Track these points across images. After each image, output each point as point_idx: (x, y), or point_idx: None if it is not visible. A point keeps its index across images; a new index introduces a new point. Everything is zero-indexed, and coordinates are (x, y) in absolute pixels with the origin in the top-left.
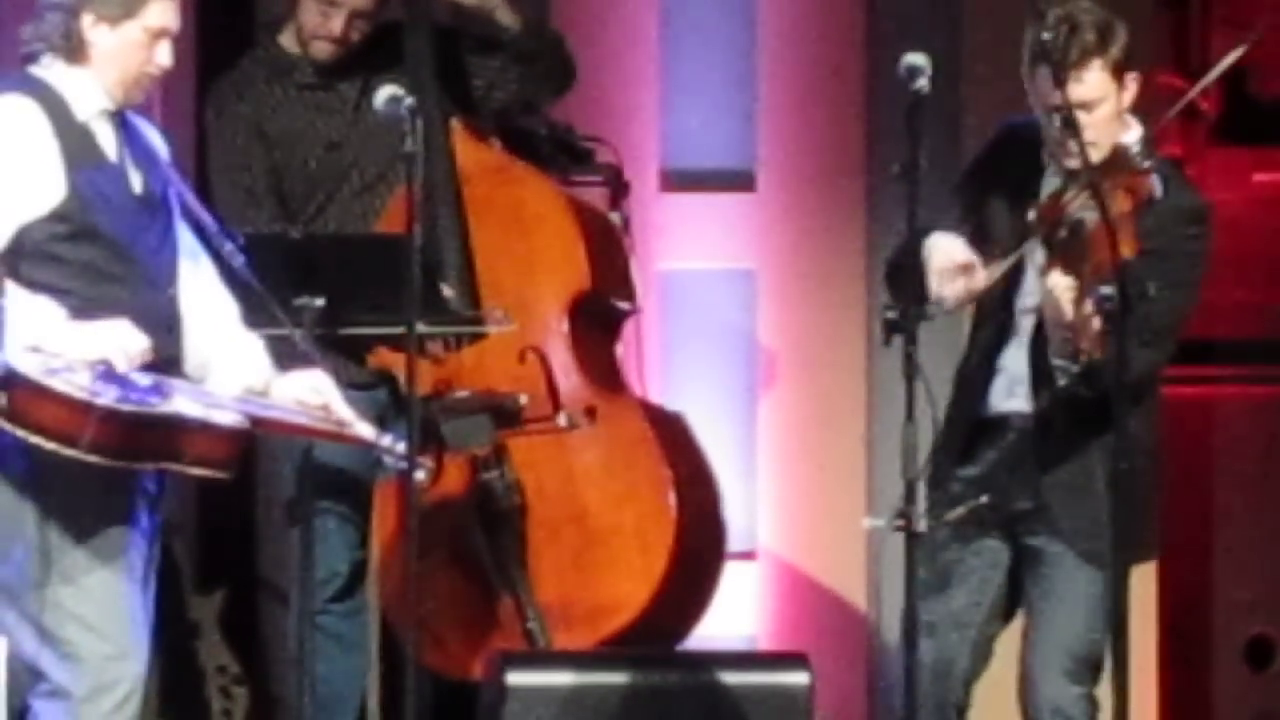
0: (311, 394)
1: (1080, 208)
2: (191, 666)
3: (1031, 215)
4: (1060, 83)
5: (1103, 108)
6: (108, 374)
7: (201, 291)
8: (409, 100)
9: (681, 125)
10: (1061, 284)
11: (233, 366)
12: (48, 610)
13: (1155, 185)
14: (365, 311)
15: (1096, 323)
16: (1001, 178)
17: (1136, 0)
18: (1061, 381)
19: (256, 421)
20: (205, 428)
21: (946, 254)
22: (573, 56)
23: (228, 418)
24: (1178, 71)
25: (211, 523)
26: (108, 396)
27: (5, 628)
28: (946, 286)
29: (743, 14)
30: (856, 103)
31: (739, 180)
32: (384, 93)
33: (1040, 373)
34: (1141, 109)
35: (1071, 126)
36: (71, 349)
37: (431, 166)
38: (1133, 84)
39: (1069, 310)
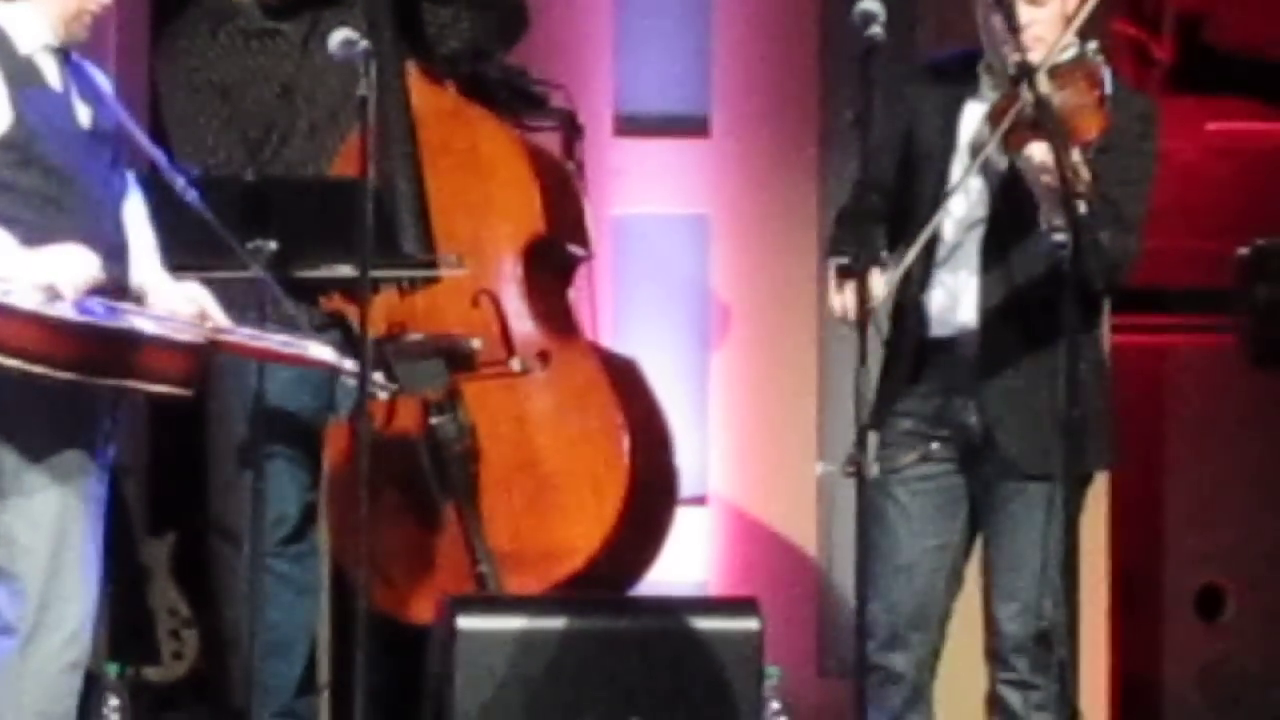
0: (186, 304)
1: (1039, 95)
2: (142, 609)
3: (987, 116)
4: None
5: (1050, 4)
6: (57, 297)
7: (131, 223)
8: (364, 43)
9: (635, 70)
10: (1041, 149)
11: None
12: (2, 545)
13: (1108, 78)
14: (318, 254)
15: (1085, 171)
16: (923, 112)
17: None
18: (1059, 237)
19: (217, 344)
20: (161, 342)
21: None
22: (525, 4)
23: (184, 334)
24: (1133, 19)
25: (162, 465)
26: (63, 312)
27: None
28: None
29: None
30: (810, 49)
31: (693, 125)
32: (338, 35)
33: (989, 288)
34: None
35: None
36: (20, 274)
37: (386, 110)
38: None
39: (1055, 165)
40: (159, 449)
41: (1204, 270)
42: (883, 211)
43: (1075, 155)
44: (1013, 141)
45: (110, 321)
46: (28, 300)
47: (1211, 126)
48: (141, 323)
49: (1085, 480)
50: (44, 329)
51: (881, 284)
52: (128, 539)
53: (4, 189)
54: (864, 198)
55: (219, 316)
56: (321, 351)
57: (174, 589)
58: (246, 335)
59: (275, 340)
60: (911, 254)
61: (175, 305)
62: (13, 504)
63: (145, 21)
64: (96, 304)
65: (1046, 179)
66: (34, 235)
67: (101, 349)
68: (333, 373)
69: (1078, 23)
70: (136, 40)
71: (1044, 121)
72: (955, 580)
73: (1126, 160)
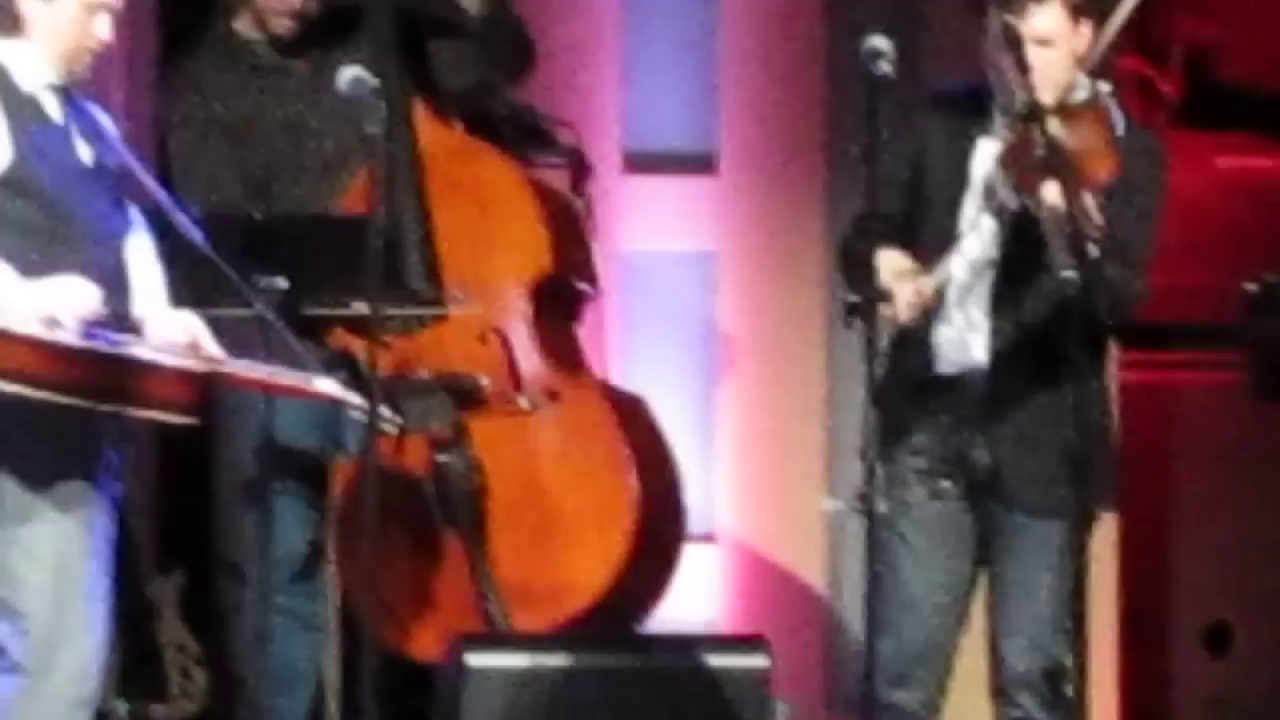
0: (180, 333)
1: (1050, 136)
2: (150, 646)
3: (999, 159)
4: (1020, 12)
5: (1060, 46)
6: (57, 327)
7: (135, 258)
8: (373, 81)
9: (643, 107)
10: (1053, 191)
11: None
12: (7, 584)
13: (1119, 120)
14: (327, 292)
15: (1097, 215)
16: (934, 147)
17: None
18: (1068, 274)
19: (218, 375)
20: (161, 369)
21: (892, 267)
22: (531, 41)
23: (183, 361)
24: (1140, 55)
25: (170, 502)
26: (66, 338)
27: None
28: (899, 299)
29: None
30: (818, 86)
31: (700, 163)
32: (347, 74)
33: (999, 326)
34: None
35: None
36: (20, 304)
37: (393, 147)
38: (1086, 30)
39: (1064, 206)
40: (167, 486)
41: (1212, 306)
42: (897, 231)
43: (1087, 198)
44: (1025, 183)
45: (109, 346)
46: (28, 326)
47: (1219, 161)
48: (140, 351)
49: (1091, 520)
50: (44, 353)
51: (927, 282)
52: (136, 575)
53: (4, 223)
54: (870, 229)
55: (212, 346)
56: (325, 384)
57: (182, 626)
58: (242, 365)
59: (274, 372)
60: (936, 278)
61: (169, 334)
62: (13, 536)
63: (152, 58)
64: (97, 333)
65: (1057, 221)
66: (34, 269)
67: (102, 374)
68: (336, 405)
69: (1090, 64)
70: (143, 77)
71: (1055, 163)
72: (962, 617)
73: (1134, 198)
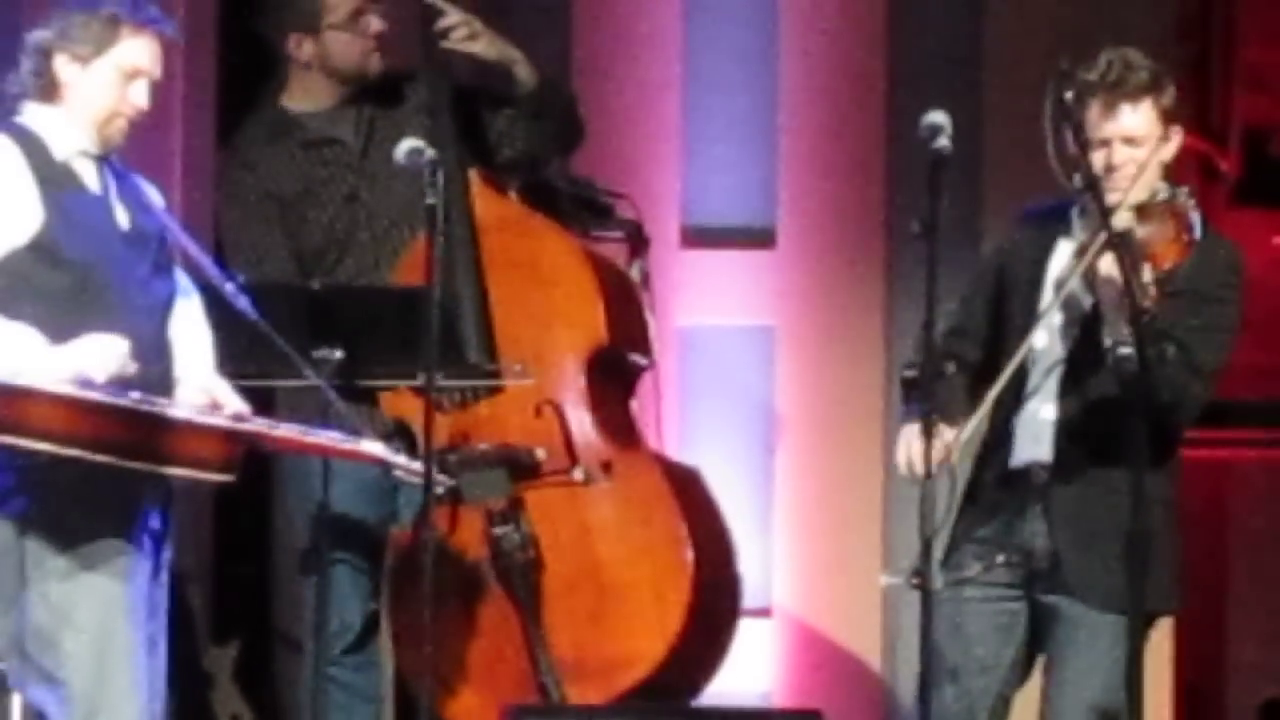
0: (198, 394)
1: (1123, 230)
2: (207, 716)
3: (1074, 252)
4: (1112, 110)
5: (1146, 146)
6: (89, 386)
7: (181, 326)
8: (430, 152)
9: (702, 181)
10: (1110, 260)
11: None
12: (47, 652)
13: (1195, 221)
14: (383, 363)
15: (1154, 291)
16: (1017, 254)
17: (1159, 60)
18: (1125, 350)
19: (260, 435)
20: (194, 427)
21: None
22: (582, 116)
23: (215, 420)
24: (1199, 133)
25: (227, 573)
26: (97, 394)
27: (13, 674)
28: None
29: (764, 70)
30: (877, 160)
31: (759, 237)
32: (405, 145)
33: (1065, 420)
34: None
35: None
36: (50, 369)
37: (450, 218)
38: (1176, 137)
39: (1120, 276)
40: (223, 556)
41: (1270, 384)
42: (973, 338)
43: (1147, 275)
44: (1092, 268)
45: (138, 404)
46: (55, 385)
47: (1277, 240)
48: (171, 409)
49: (1149, 619)
50: (71, 410)
51: (952, 438)
52: (192, 646)
53: (35, 291)
54: (940, 352)
55: (235, 404)
56: (371, 446)
57: (238, 696)
58: (265, 424)
59: (320, 435)
60: (995, 389)
61: (188, 397)
62: (49, 599)
63: (211, 137)
64: (129, 394)
65: (1112, 292)
66: (64, 336)
67: (131, 430)
68: (383, 467)
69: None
70: (204, 158)
71: (1120, 244)
72: (1001, 706)
73: (1203, 308)
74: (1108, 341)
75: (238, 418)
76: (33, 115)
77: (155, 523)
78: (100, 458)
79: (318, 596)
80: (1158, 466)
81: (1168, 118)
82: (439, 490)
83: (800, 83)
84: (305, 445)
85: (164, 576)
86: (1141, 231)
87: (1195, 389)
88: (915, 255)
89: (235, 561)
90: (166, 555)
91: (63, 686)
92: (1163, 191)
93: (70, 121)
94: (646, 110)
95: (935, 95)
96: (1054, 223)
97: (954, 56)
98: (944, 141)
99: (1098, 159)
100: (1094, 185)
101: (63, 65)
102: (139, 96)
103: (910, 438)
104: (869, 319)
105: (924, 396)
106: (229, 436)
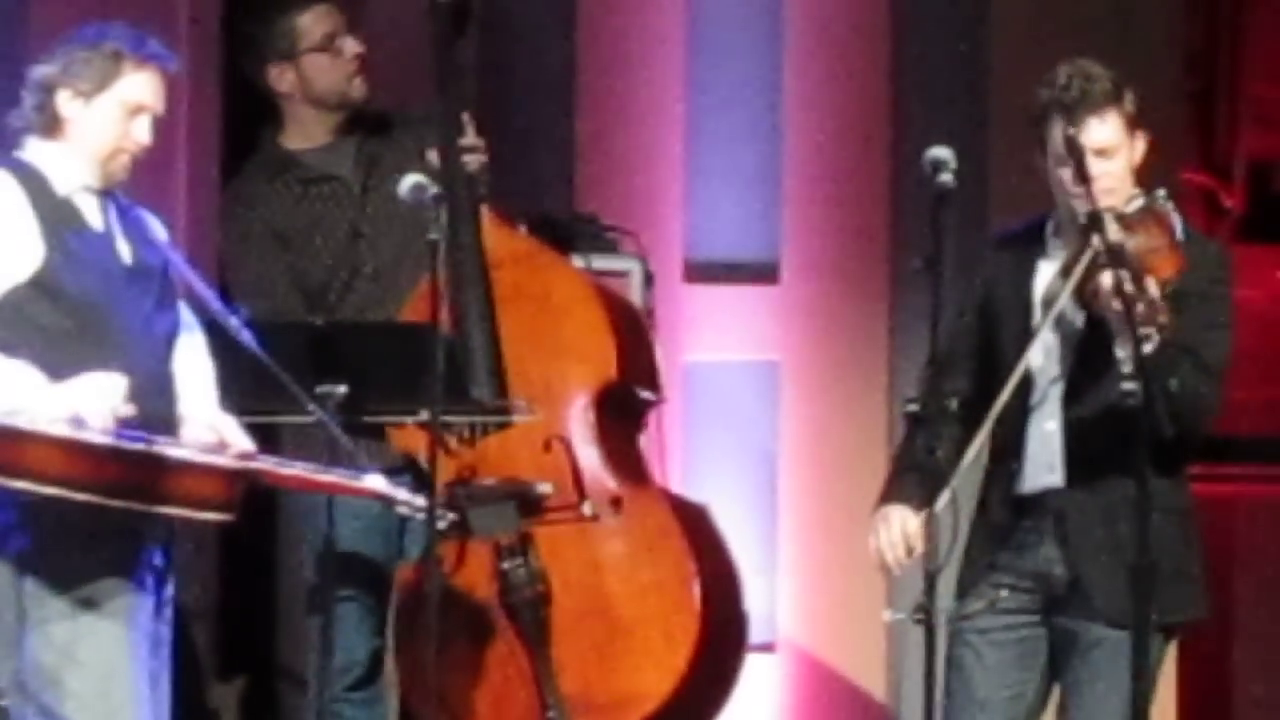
0: (207, 432)
1: (1110, 241)
2: None
3: (1060, 270)
4: (1080, 124)
5: (1119, 156)
6: (83, 426)
7: (184, 360)
8: (434, 189)
9: (706, 217)
10: (1111, 277)
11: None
12: (49, 689)
13: (1178, 224)
14: (389, 400)
15: (1164, 305)
16: (998, 280)
17: (1164, 96)
18: (1129, 385)
19: (259, 473)
20: (193, 467)
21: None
22: None
23: (213, 459)
24: (1203, 168)
25: (232, 609)
26: (93, 436)
27: (15, 711)
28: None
29: (768, 106)
30: (881, 195)
31: (763, 272)
32: (409, 181)
33: (1071, 438)
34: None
35: (1082, 166)
36: (47, 408)
37: (459, 253)
38: (1141, 143)
39: (1128, 293)
40: (229, 593)
41: (1275, 419)
42: (963, 368)
43: (1152, 289)
44: (1086, 291)
45: (135, 444)
46: (51, 427)
47: None
48: (169, 449)
49: (1170, 630)
50: (64, 451)
51: (918, 525)
52: (197, 683)
53: (35, 328)
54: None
55: (241, 442)
56: (373, 480)
57: None
58: (274, 462)
59: (322, 471)
60: (994, 411)
61: (196, 434)
62: (52, 639)
63: (215, 173)
64: (127, 434)
65: (1120, 310)
66: (64, 372)
67: (126, 472)
68: (385, 502)
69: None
70: (208, 194)
71: (1117, 261)
72: None
73: (1203, 306)
74: (1119, 354)
75: (244, 456)
76: (35, 151)
77: (157, 559)
78: (97, 499)
79: (323, 633)
80: (1172, 476)
81: (1133, 124)
82: (441, 524)
83: (804, 117)
84: (307, 483)
85: (167, 613)
86: (1132, 244)
87: (1208, 391)
88: (919, 289)
89: (240, 598)
90: (169, 591)
91: None
92: (1139, 198)
93: (73, 157)
94: (650, 146)
95: (940, 130)
96: (1027, 244)
97: (960, 90)
98: (947, 176)
99: (1067, 175)
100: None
101: (65, 101)
102: (141, 132)
103: (881, 525)
104: (873, 353)
105: (928, 434)
106: (229, 476)
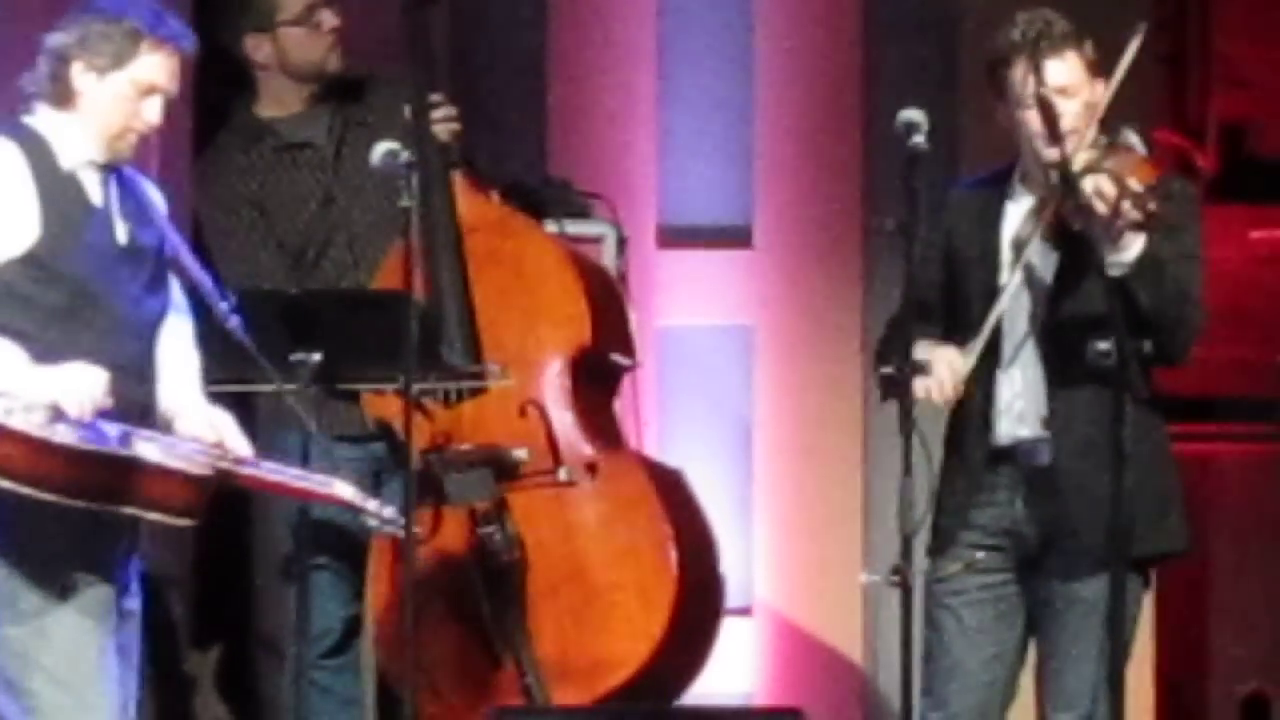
0: (208, 430)
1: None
2: None
3: (1031, 211)
4: (1040, 67)
5: (1080, 96)
6: (61, 416)
7: (172, 345)
8: (406, 155)
9: (678, 182)
10: (1092, 180)
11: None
12: (13, 659)
13: (1140, 145)
14: (363, 367)
15: (1151, 200)
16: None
17: (1135, 58)
18: (1114, 273)
19: (229, 475)
20: (163, 472)
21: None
22: None
23: (189, 465)
24: (1176, 129)
25: (207, 578)
26: (64, 436)
27: None
28: (936, 369)
29: (740, 70)
30: (853, 158)
31: (736, 236)
32: (381, 148)
33: (1052, 391)
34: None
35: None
36: (25, 391)
37: (432, 219)
38: (1100, 88)
39: (1114, 193)
40: (203, 561)
41: (1248, 379)
42: (936, 314)
43: (1136, 185)
44: (1066, 209)
45: (110, 447)
46: (26, 420)
47: (1255, 235)
48: (148, 449)
49: (1148, 567)
50: (34, 450)
51: (961, 361)
52: (173, 652)
53: (24, 305)
54: (911, 307)
55: (239, 446)
56: (344, 489)
57: (218, 701)
58: (267, 469)
59: (293, 475)
60: (977, 346)
61: (196, 431)
62: (25, 622)
63: (188, 145)
64: (108, 426)
65: (1102, 207)
66: (51, 352)
67: (97, 474)
68: (354, 511)
69: (1099, 112)
70: (180, 162)
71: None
72: (1011, 689)
73: (1179, 235)
74: (1104, 257)
75: (239, 461)
76: (44, 118)
77: (125, 541)
78: (64, 500)
79: (299, 601)
80: (1152, 408)
81: (1093, 68)
82: (388, 529)
83: (776, 81)
84: (279, 488)
85: (134, 585)
86: (1107, 164)
87: (1191, 315)
88: (893, 252)
89: (216, 567)
90: (135, 563)
91: (28, 695)
92: (1103, 138)
93: (80, 129)
94: (622, 111)
95: (911, 92)
96: (991, 190)
97: (930, 53)
98: (919, 138)
99: (1030, 118)
100: (1056, 136)
101: (79, 73)
102: (152, 112)
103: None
104: (847, 317)
105: (902, 395)
106: (198, 482)
